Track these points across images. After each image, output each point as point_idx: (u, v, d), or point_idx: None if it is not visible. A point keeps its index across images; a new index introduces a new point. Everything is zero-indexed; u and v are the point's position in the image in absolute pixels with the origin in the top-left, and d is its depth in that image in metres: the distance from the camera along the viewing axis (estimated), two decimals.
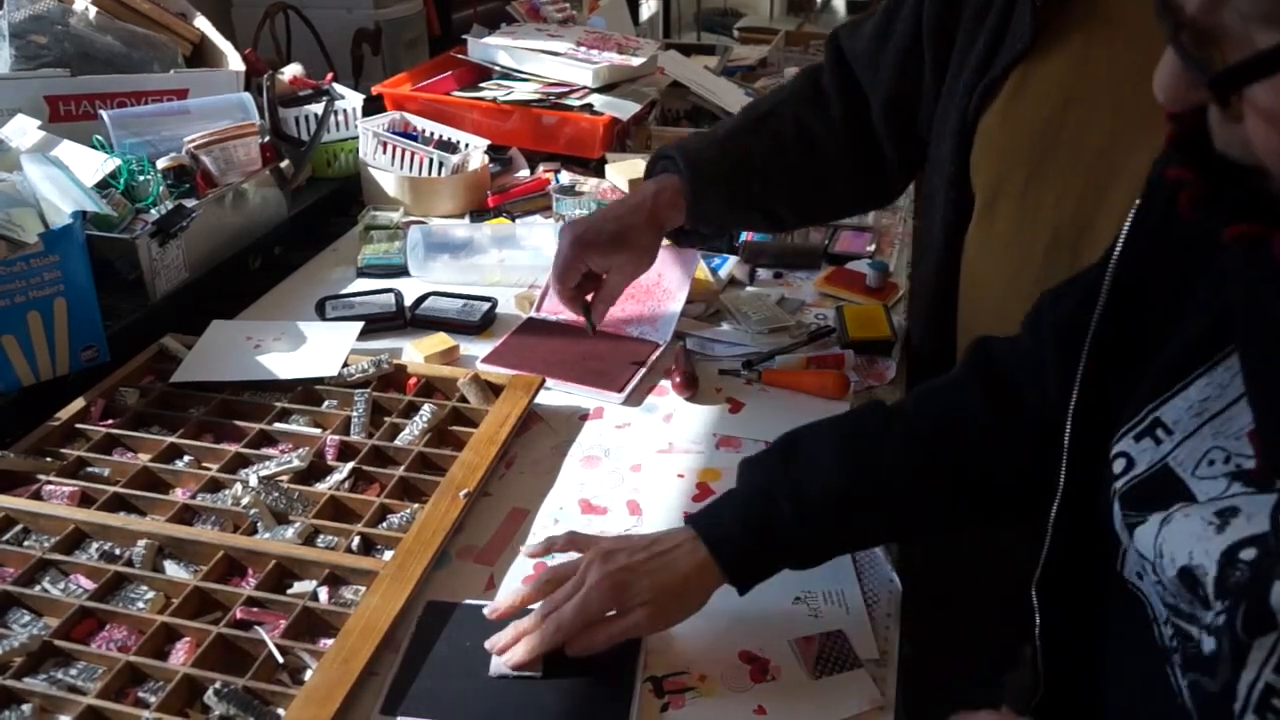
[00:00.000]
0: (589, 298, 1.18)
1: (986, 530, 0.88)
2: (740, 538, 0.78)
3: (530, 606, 0.81)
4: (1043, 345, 0.77)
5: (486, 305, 1.32)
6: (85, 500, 0.95)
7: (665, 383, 1.19)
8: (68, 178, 1.21)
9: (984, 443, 0.81)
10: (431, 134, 1.71)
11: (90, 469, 1.01)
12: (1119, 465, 0.62)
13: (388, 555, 0.87)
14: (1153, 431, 0.60)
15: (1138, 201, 0.64)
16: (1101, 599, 0.68)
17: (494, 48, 1.88)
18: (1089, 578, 0.69)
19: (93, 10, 1.54)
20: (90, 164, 1.29)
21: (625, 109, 1.77)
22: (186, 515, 0.94)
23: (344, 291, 1.37)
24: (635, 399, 1.16)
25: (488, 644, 0.79)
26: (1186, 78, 0.47)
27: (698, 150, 1.13)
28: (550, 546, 0.86)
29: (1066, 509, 0.70)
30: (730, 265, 1.43)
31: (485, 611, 0.82)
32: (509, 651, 0.78)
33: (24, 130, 1.35)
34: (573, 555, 0.83)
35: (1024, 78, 0.93)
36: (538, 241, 1.45)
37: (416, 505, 0.94)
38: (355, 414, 1.06)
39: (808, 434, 0.84)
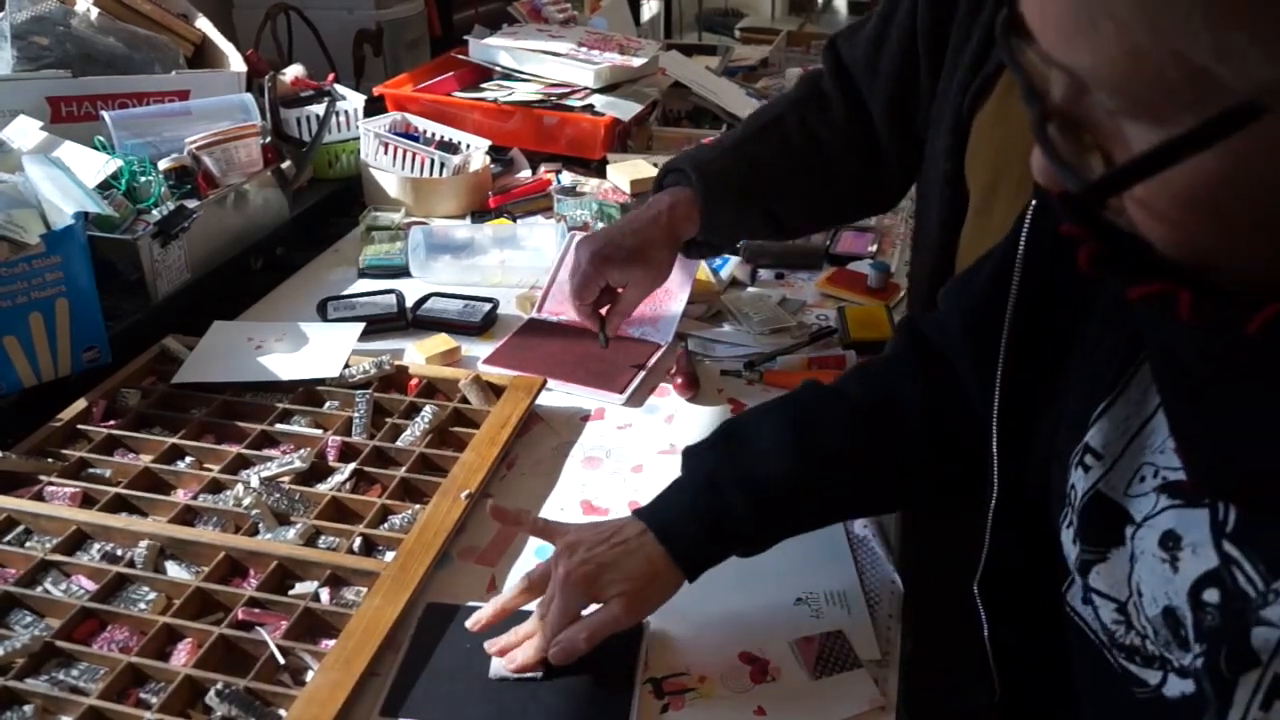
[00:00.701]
0: (603, 311, 1.18)
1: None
2: (690, 530, 0.78)
3: (526, 609, 0.81)
4: (957, 330, 0.77)
5: (488, 306, 1.32)
6: (87, 501, 0.95)
7: (667, 384, 1.19)
8: (69, 179, 1.21)
9: (923, 417, 0.80)
10: (433, 135, 1.71)
11: (92, 470, 1.01)
12: (1072, 496, 0.61)
13: (389, 556, 0.87)
14: (1083, 458, 0.60)
15: (1032, 204, 0.63)
16: (1052, 606, 0.67)
17: (495, 48, 1.88)
18: (1033, 585, 0.69)
19: (94, 11, 1.54)
20: (92, 165, 1.29)
21: (626, 109, 1.77)
22: (188, 516, 0.94)
23: (345, 292, 1.37)
24: (637, 400, 1.16)
25: (487, 645, 0.79)
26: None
27: (708, 161, 1.13)
28: (519, 519, 0.86)
29: (1002, 511, 0.69)
30: (732, 266, 1.43)
31: (468, 624, 0.82)
32: (511, 654, 0.78)
33: (26, 131, 1.35)
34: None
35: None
36: (539, 242, 1.45)
37: (418, 506, 0.94)
38: (357, 415, 1.06)
39: (748, 419, 0.84)
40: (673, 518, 0.79)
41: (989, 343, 0.70)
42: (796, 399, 0.85)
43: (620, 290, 1.16)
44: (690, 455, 0.83)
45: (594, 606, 0.78)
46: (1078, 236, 0.47)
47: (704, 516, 0.78)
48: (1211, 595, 0.48)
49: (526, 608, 0.81)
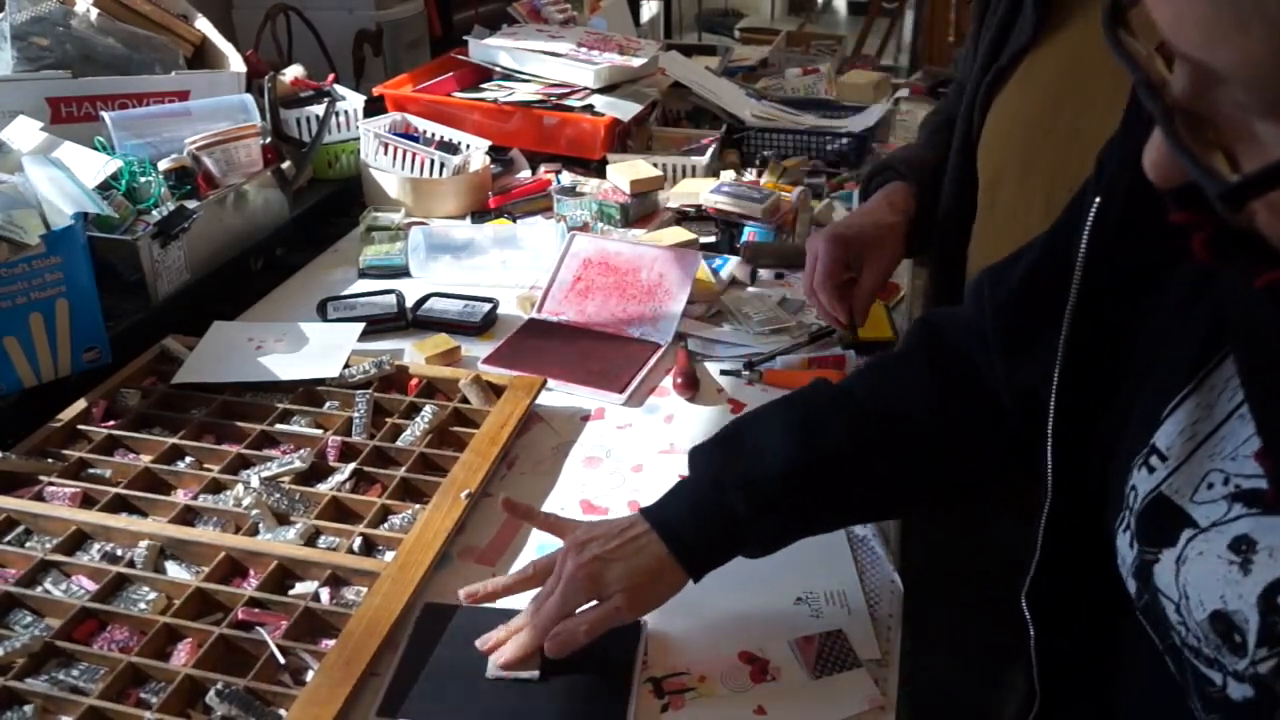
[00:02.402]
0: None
1: (986, 528, 0.87)
2: (694, 529, 0.78)
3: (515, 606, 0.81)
4: (985, 325, 0.76)
5: (488, 306, 1.33)
6: (87, 501, 0.95)
7: (666, 383, 1.19)
8: (69, 179, 1.22)
9: (934, 420, 0.79)
10: (433, 135, 1.71)
11: (92, 470, 1.01)
12: (1132, 499, 0.60)
13: (389, 556, 0.87)
14: (1148, 460, 0.59)
15: (1097, 200, 0.62)
16: (1103, 616, 0.67)
17: (495, 49, 1.88)
18: (1086, 593, 0.68)
19: (94, 12, 1.54)
20: (92, 165, 1.30)
21: (626, 110, 1.77)
22: (188, 516, 0.94)
23: (345, 292, 1.37)
24: (636, 400, 1.16)
25: (478, 641, 0.79)
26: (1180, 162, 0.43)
27: (910, 157, 1.20)
28: (530, 513, 0.86)
29: (1055, 520, 0.68)
30: (731, 266, 1.43)
31: (461, 594, 0.82)
32: (500, 650, 0.78)
33: (26, 132, 1.35)
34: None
35: (1029, 68, 0.95)
36: (539, 242, 1.45)
37: (418, 506, 0.94)
38: (357, 415, 1.06)
39: (753, 419, 0.83)
40: (676, 516, 0.79)
41: (1023, 337, 0.69)
42: (802, 397, 0.84)
43: (858, 276, 1.15)
44: (696, 454, 0.83)
45: (592, 603, 0.78)
46: (1193, 223, 0.46)
47: (707, 515, 0.78)
48: None
49: (517, 603, 0.81)
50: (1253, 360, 0.52)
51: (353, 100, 1.73)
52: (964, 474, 0.81)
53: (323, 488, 0.97)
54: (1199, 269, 0.58)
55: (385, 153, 1.63)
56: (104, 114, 1.43)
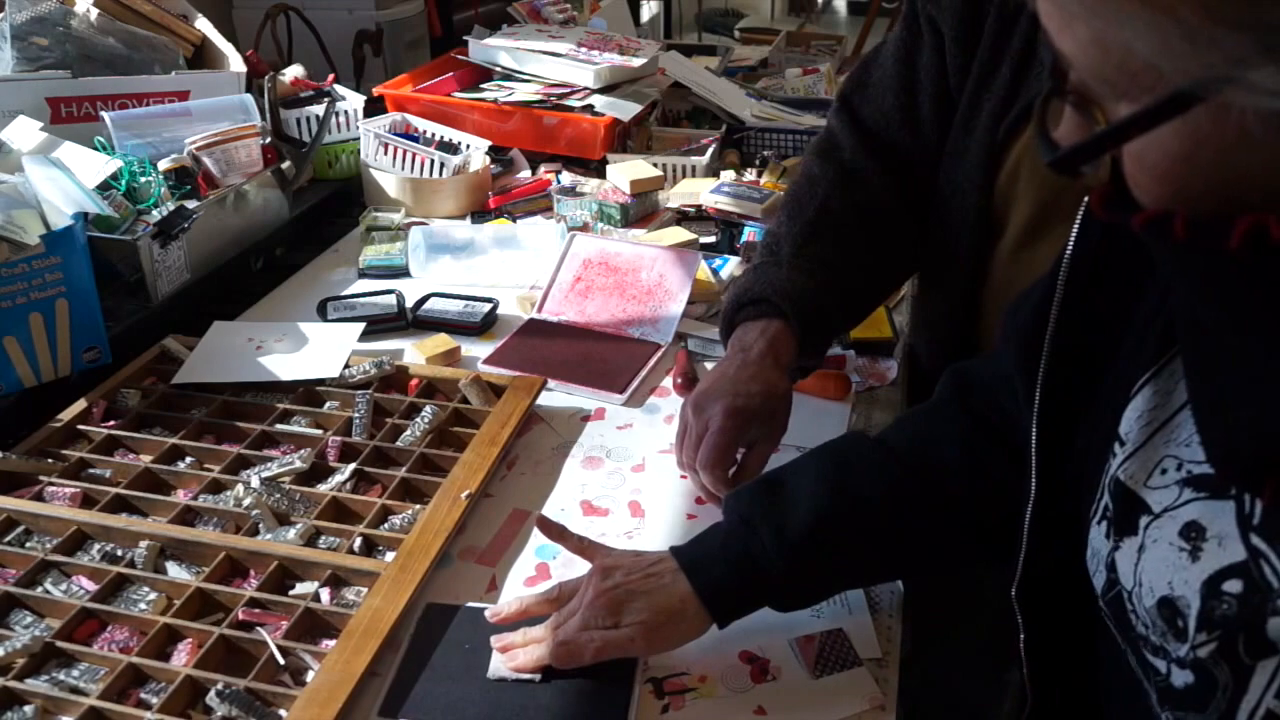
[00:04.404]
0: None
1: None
2: (719, 570, 0.77)
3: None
4: (1014, 354, 0.76)
5: (488, 306, 1.33)
6: (87, 501, 0.95)
7: (666, 383, 1.19)
8: (69, 179, 1.22)
9: (966, 469, 0.79)
10: (433, 135, 1.71)
11: (92, 470, 1.01)
12: (1102, 485, 0.61)
13: (389, 556, 0.87)
14: (1113, 446, 0.60)
15: (1080, 212, 0.63)
16: (1087, 611, 0.67)
17: (495, 49, 1.88)
18: (1071, 590, 0.68)
19: (94, 12, 1.55)
20: (92, 165, 1.30)
21: (626, 110, 1.77)
22: (188, 516, 0.94)
23: (345, 293, 1.37)
24: (637, 400, 1.16)
25: (494, 640, 0.80)
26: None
27: (789, 289, 1.01)
28: (563, 534, 0.86)
29: (1039, 516, 0.69)
30: (731, 266, 1.43)
31: (487, 614, 0.82)
32: (511, 653, 0.78)
33: (26, 132, 1.35)
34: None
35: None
36: (539, 242, 1.45)
37: (418, 506, 0.94)
38: (357, 415, 1.06)
39: (791, 466, 0.83)
40: (703, 557, 0.79)
41: (1033, 347, 0.69)
42: (837, 446, 0.85)
43: (747, 449, 0.99)
44: (730, 499, 0.83)
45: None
46: (1095, 189, 0.50)
47: (734, 558, 0.77)
48: (1233, 586, 0.49)
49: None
50: (1187, 337, 0.55)
51: (353, 100, 1.73)
52: (994, 522, 0.80)
53: (323, 488, 0.97)
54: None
55: (385, 153, 1.63)
56: (104, 114, 1.43)
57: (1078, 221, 0.64)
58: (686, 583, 0.77)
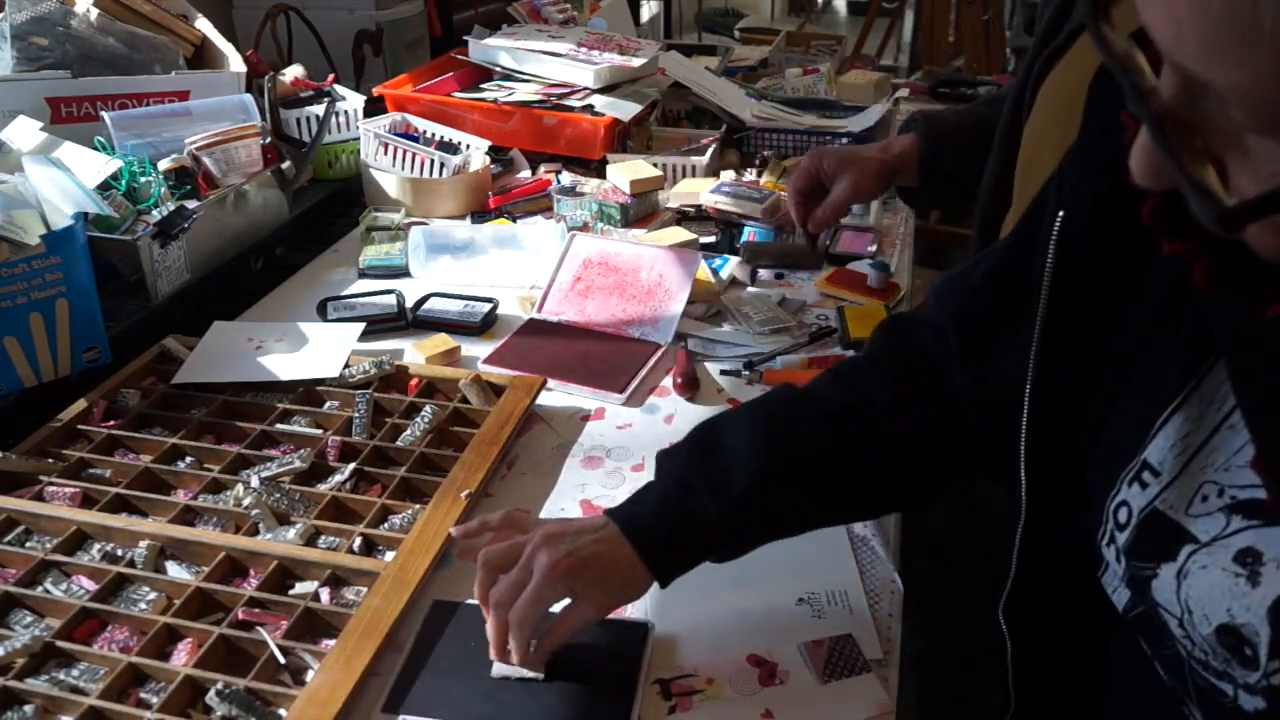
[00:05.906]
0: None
1: (988, 531, 0.87)
2: (659, 532, 0.76)
3: None
4: (950, 327, 0.76)
5: (488, 306, 1.32)
6: (87, 501, 0.95)
7: (666, 383, 1.19)
8: (69, 179, 1.22)
9: (897, 417, 0.79)
10: (433, 135, 1.71)
11: (92, 470, 1.01)
12: (1122, 515, 0.60)
13: (389, 556, 0.87)
14: (1140, 475, 0.58)
15: (1060, 214, 0.61)
16: (1081, 626, 0.66)
17: (495, 49, 1.88)
18: (1064, 606, 0.68)
19: (94, 12, 1.54)
20: (92, 165, 1.29)
21: (626, 110, 1.77)
22: (188, 516, 0.94)
23: (345, 293, 1.37)
24: (636, 400, 1.16)
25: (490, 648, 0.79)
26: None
27: (933, 115, 1.29)
28: (485, 526, 0.82)
29: (1031, 535, 0.68)
30: (731, 266, 1.43)
31: (451, 532, 0.83)
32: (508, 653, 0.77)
33: (26, 132, 1.35)
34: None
35: (1082, 47, 0.93)
36: (539, 242, 1.45)
37: (418, 506, 0.94)
38: (357, 415, 1.06)
39: (721, 421, 0.82)
40: (642, 519, 0.77)
41: (984, 343, 0.69)
42: (767, 400, 0.84)
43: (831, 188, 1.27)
44: (663, 457, 0.81)
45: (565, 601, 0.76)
46: (1189, 252, 0.45)
47: (672, 518, 0.76)
48: None
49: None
50: (1246, 371, 0.52)
51: (353, 100, 1.73)
52: (930, 475, 0.80)
53: (323, 488, 0.97)
54: (1172, 280, 0.58)
55: (385, 153, 1.63)
56: (104, 114, 1.43)
57: (1053, 240, 0.62)
58: (630, 548, 0.75)
